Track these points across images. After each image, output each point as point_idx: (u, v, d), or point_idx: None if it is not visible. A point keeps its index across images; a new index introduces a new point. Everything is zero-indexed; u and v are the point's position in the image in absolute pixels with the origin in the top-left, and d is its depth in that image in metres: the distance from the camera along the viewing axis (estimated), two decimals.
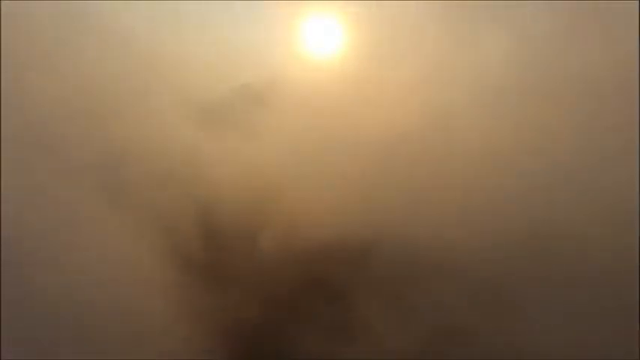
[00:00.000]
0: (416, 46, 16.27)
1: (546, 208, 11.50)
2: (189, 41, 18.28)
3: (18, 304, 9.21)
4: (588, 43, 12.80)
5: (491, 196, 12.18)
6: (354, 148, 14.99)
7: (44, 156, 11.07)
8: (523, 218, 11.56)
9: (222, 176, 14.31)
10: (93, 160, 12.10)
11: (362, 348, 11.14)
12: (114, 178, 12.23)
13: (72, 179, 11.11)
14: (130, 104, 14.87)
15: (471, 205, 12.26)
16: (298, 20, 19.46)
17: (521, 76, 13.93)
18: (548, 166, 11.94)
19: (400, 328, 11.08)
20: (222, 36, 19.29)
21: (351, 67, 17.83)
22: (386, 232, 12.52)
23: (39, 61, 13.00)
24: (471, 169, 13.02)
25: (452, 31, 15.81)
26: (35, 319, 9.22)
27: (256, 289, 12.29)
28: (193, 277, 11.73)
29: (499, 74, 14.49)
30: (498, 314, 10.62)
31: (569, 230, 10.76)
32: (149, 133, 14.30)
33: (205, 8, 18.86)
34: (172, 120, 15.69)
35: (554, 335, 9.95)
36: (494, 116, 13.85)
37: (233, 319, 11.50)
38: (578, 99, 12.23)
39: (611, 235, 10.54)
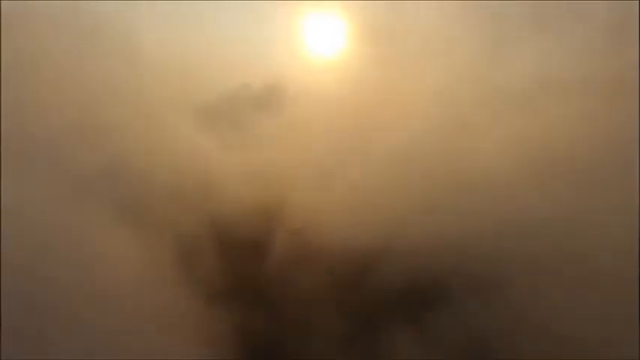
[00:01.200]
0: (427, 48, 16.10)
1: (578, 220, 10.91)
2: (193, 42, 18.23)
3: (23, 313, 9.01)
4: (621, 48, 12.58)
5: (515, 208, 11.72)
6: (364, 154, 14.76)
7: (49, 167, 10.88)
8: (552, 230, 11.11)
9: (227, 182, 14.14)
10: (99, 170, 11.90)
11: None
12: (120, 189, 12.02)
13: (78, 191, 10.94)
14: (132, 107, 14.67)
15: (491, 217, 11.74)
16: (302, 20, 19.48)
17: (539, 84, 13.73)
18: (579, 175, 11.40)
19: (417, 343, 10.90)
20: (225, 37, 19.28)
21: (356, 68, 17.74)
22: (398, 241, 12.19)
23: (42, 68, 12.83)
24: (492, 179, 12.51)
25: (469, 33, 15.63)
26: (41, 331, 9.00)
27: (265, 301, 12.10)
28: (200, 286, 11.56)
29: (520, 81, 14.21)
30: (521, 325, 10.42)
31: (597, 239, 10.46)
32: (152, 137, 14.12)
33: (207, 9, 18.88)
34: (175, 123, 15.54)
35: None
36: (515, 125, 13.44)
37: (245, 330, 11.31)
38: (611, 103, 11.84)
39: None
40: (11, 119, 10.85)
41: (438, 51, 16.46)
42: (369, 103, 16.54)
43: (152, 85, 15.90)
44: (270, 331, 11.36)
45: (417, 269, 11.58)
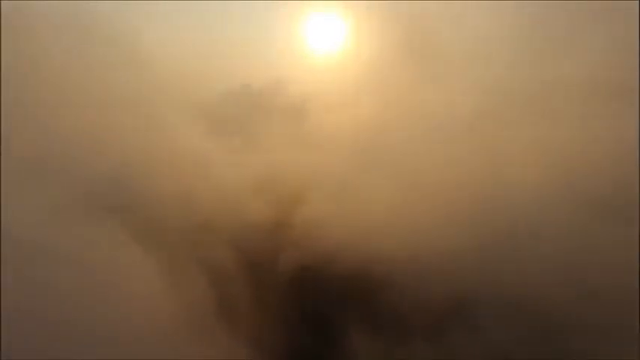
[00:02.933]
0: (430, 48, 15.95)
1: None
2: (193, 42, 18.10)
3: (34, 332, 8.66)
4: None
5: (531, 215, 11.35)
6: (370, 156, 14.52)
7: (49, 170, 10.64)
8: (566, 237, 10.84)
9: (234, 188, 13.89)
10: (101, 179, 11.67)
11: None
12: (127, 198, 11.80)
13: (80, 199, 10.75)
14: (132, 108, 14.56)
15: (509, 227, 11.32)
16: (304, 20, 19.37)
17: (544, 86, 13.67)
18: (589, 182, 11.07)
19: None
20: (226, 37, 19.15)
21: (359, 68, 17.61)
22: (411, 252, 11.61)
23: (42, 68, 12.71)
24: (511, 189, 11.98)
25: (471, 32, 15.57)
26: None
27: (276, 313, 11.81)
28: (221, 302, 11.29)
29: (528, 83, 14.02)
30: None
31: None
32: (153, 139, 13.96)
33: (208, 9, 18.75)
34: (175, 124, 15.39)
35: None
36: (531, 130, 12.98)
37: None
38: None
39: None
40: (11, 120, 10.75)
41: (442, 52, 16.36)
42: (371, 103, 16.47)
43: (152, 86, 15.79)
44: (290, 348, 11.11)
45: (433, 282, 11.25)
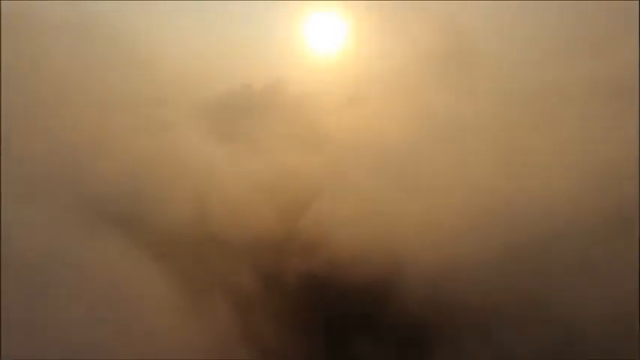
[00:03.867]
0: (433, 48, 15.94)
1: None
2: (194, 43, 18.16)
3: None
4: None
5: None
6: (370, 157, 14.36)
7: (50, 172, 10.54)
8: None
9: (232, 188, 13.86)
10: (103, 179, 11.58)
11: None
12: (127, 199, 11.69)
13: (83, 199, 10.68)
14: (132, 108, 14.57)
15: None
16: (304, 20, 19.46)
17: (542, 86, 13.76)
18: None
19: None
20: (227, 37, 19.25)
21: (358, 68, 17.69)
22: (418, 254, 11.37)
23: (42, 68, 12.72)
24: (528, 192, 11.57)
25: (473, 28, 15.61)
26: None
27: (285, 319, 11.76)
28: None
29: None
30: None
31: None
32: (158, 141, 13.94)
33: (209, 10, 18.84)
34: (180, 128, 15.37)
35: None
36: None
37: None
38: None
39: None
40: (11, 120, 10.75)
41: (443, 52, 16.31)
42: (371, 103, 16.44)
43: (152, 86, 15.82)
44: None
45: (447, 288, 10.96)
